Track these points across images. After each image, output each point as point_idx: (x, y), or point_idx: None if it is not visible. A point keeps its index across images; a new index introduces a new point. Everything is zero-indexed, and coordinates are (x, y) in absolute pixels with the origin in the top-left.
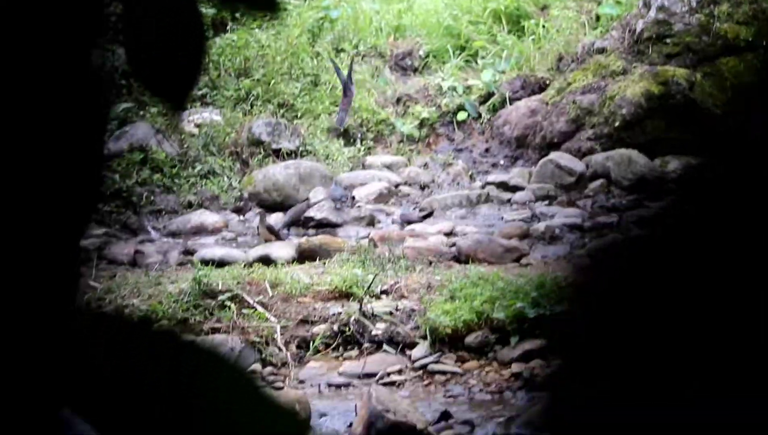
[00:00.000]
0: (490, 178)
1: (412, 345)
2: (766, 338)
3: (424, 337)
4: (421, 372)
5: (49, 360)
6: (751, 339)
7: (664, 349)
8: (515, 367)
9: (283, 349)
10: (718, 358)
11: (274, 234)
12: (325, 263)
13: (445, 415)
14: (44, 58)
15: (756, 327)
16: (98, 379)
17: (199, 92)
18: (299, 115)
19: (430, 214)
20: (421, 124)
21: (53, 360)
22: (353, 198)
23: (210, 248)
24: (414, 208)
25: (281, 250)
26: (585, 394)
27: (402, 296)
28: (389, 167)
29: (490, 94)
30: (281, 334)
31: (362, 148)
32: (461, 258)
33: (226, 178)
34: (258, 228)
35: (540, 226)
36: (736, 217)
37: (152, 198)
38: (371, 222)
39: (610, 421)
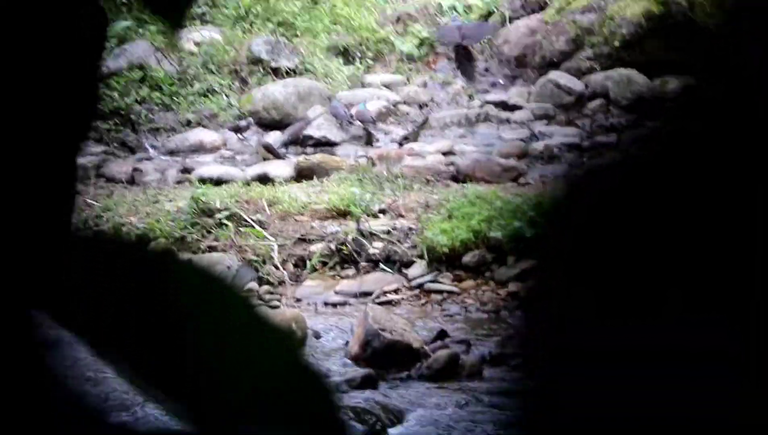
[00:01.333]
0: (489, 97)
1: (409, 264)
2: (762, 260)
3: (421, 256)
4: (417, 291)
5: (29, 263)
6: (738, 258)
7: (650, 267)
8: (512, 287)
9: (280, 267)
10: (707, 277)
11: (272, 152)
12: (323, 182)
13: (442, 334)
14: None
15: (746, 247)
16: (90, 298)
17: (199, 10)
18: (298, 33)
19: (425, 122)
20: (421, 43)
21: (33, 265)
22: (352, 116)
23: (208, 166)
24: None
25: (279, 168)
26: (570, 314)
27: (399, 215)
28: (388, 86)
29: (489, 13)
30: (278, 253)
31: (361, 67)
32: (459, 177)
33: (225, 97)
34: (256, 146)
35: (538, 145)
36: (734, 138)
37: (151, 116)
38: (369, 141)
39: (593, 341)
